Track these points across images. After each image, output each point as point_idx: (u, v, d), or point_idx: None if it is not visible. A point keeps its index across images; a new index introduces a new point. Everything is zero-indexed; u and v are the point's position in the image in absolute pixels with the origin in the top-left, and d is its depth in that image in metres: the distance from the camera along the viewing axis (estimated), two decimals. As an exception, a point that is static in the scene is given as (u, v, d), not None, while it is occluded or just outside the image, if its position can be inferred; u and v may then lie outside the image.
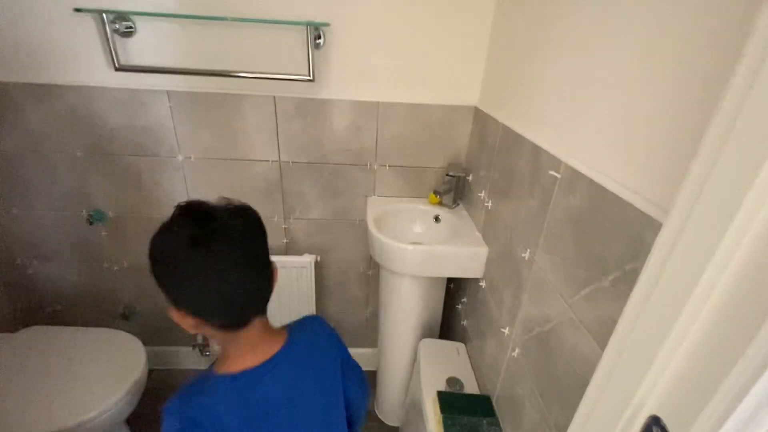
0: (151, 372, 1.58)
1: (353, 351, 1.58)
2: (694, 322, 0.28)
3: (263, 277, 0.54)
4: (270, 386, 0.54)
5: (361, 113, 1.19)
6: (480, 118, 1.15)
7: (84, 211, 1.29)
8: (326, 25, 1.05)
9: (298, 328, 0.63)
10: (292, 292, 1.39)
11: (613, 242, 0.52)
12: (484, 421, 0.89)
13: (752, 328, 0.24)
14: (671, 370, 0.30)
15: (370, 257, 1.41)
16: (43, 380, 1.04)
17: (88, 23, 1.03)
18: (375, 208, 1.24)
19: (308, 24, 1.02)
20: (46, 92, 1.11)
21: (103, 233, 1.34)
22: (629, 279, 0.48)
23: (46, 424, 0.94)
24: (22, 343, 1.17)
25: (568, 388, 0.61)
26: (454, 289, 1.38)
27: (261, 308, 0.55)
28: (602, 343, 0.53)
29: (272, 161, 1.24)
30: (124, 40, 1.06)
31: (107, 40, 1.02)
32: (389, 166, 1.27)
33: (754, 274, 0.24)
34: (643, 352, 0.32)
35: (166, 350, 1.56)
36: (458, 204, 1.29)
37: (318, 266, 1.40)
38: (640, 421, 0.32)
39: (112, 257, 1.38)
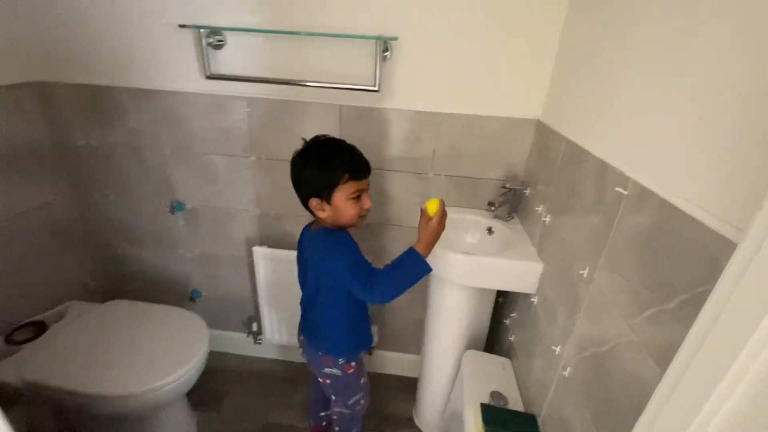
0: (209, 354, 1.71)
1: (397, 355, 1.62)
2: (765, 347, 0.27)
3: None
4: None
5: (421, 123, 1.22)
6: (542, 131, 1.14)
7: (167, 201, 1.45)
8: (395, 38, 1.11)
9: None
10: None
11: (683, 263, 0.50)
12: (529, 440, 0.86)
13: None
14: (736, 396, 0.29)
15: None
16: (121, 348, 1.18)
17: (187, 37, 1.18)
18: (428, 216, 1.26)
19: (378, 38, 1.08)
20: (147, 96, 1.28)
21: (181, 223, 1.49)
22: (698, 302, 0.46)
23: (122, 387, 1.07)
24: (106, 313, 1.33)
25: (623, 414, 0.59)
26: (503, 303, 1.35)
27: None
28: (664, 368, 0.50)
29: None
30: (215, 51, 1.19)
31: (201, 52, 1.16)
32: (445, 175, 1.29)
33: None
34: (708, 375, 0.31)
35: (222, 334, 1.69)
36: (513, 217, 1.28)
37: (368, 269, 1.45)
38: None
39: (186, 245, 1.53)
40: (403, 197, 1.34)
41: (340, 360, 1.05)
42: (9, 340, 1.22)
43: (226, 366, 1.67)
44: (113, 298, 1.43)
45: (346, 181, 0.87)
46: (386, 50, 1.12)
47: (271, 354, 1.73)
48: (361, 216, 0.93)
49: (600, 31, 0.84)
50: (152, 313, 1.34)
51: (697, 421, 0.32)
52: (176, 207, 1.45)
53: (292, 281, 1.27)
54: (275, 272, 1.44)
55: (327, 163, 0.88)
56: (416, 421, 1.49)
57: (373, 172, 1.29)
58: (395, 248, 1.42)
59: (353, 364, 1.07)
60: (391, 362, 1.66)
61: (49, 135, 1.36)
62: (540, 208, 1.07)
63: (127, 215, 1.50)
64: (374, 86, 1.12)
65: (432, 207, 0.87)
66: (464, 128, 1.22)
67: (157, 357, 1.16)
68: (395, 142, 1.26)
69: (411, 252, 0.87)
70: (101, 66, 1.25)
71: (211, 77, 1.19)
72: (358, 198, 0.90)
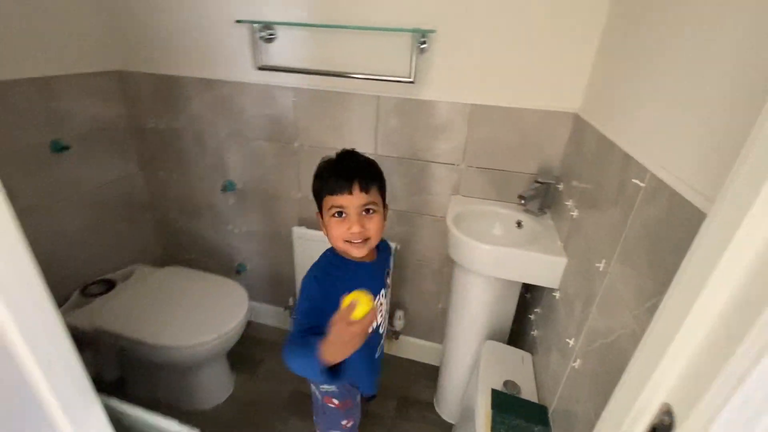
0: (248, 324, 1.87)
1: (423, 343, 1.66)
2: (704, 316, 0.29)
3: None
4: None
5: (455, 114, 1.25)
6: (579, 125, 1.12)
7: (220, 181, 1.60)
8: (432, 31, 1.14)
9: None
10: (372, 275, 1.51)
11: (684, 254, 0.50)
12: (536, 429, 0.88)
13: (749, 321, 0.25)
14: (682, 361, 0.31)
15: (447, 255, 1.46)
16: (176, 307, 1.34)
17: (243, 32, 1.29)
18: (457, 206, 1.29)
19: (415, 31, 1.12)
20: (207, 85, 1.42)
21: (231, 201, 1.64)
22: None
23: (175, 339, 1.22)
24: (165, 277, 1.51)
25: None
26: (530, 299, 1.35)
27: None
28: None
29: (369, 154, 1.37)
30: (267, 45, 1.30)
31: (255, 45, 1.27)
32: (477, 167, 1.30)
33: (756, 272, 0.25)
34: (658, 345, 0.33)
35: (262, 306, 1.83)
36: (545, 212, 1.27)
37: (397, 256, 1.50)
38: (653, 409, 0.33)
39: (235, 222, 1.68)
40: (434, 187, 1.37)
41: (321, 387, 0.94)
42: (84, 292, 1.43)
43: (264, 336, 1.82)
44: (171, 264, 1.62)
45: (326, 194, 0.75)
46: (424, 42, 1.16)
47: (305, 329, 1.85)
48: (349, 241, 0.75)
49: (644, 28, 0.81)
50: (203, 281, 1.50)
51: (650, 387, 0.34)
52: (228, 186, 1.59)
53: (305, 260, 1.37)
54: (313, 251, 1.53)
55: (317, 173, 0.79)
56: (436, 407, 1.53)
57: (405, 161, 1.36)
58: (424, 237, 1.46)
59: (335, 400, 0.94)
60: (417, 349, 1.71)
61: (126, 118, 1.56)
62: (569, 203, 1.06)
63: (186, 192, 1.67)
64: (410, 78, 1.17)
65: (362, 307, 0.61)
66: (499, 120, 1.22)
67: (204, 317, 1.30)
68: (429, 133, 1.30)
69: (315, 350, 0.61)
70: (170, 58, 1.41)
71: (263, 68, 1.30)
72: (341, 216, 0.74)
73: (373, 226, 0.76)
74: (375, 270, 0.86)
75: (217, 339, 1.25)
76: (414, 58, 1.15)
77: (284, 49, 1.29)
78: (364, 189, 0.73)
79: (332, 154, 0.80)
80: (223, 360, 1.46)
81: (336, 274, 0.79)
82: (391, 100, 1.28)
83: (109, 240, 1.57)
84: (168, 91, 1.48)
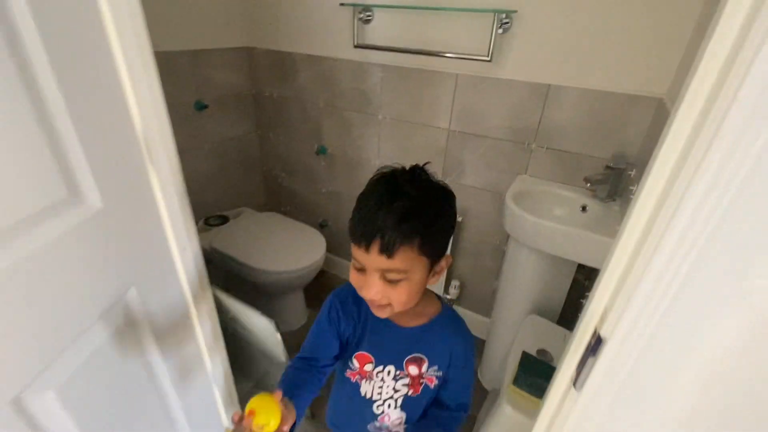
0: (323, 272, 2.15)
1: (471, 315, 1.74)
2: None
3: None
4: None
5: (531, 94, 1.28)
6: (663, 111, 1.07)
7: (315, 145, 1.86)
8: (514, 11, 1.19)
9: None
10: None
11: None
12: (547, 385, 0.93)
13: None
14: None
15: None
16: (269, 242, 1.64)
17: (345, 14, 1.48)
18: (521, 185, 1.33)
19: (497, 11, 1.18)
20: (312, 60, 1.66)
21: (322, 163, 1.89)
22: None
23: (269, 264, 1.52)
24: (263, 219, 1.84)
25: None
26: (587, 285, 1.34)
27: None
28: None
29: (443, 129, 1.48)
30: (364, 25, 1.47)
31: (354, 25, 1.45)
32: (547, 148, 1.32)
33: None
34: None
35: (336, 259, 2.09)
36: (614, 200, 1.24)
37: (459, 227, 1.60)
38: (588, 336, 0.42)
39: (323, 182, 1.94)
40: (501, 165, 1.42)
41: None
42: (206, 222, 1.83)
43: (335, 284, 2.08)
44: (271, 211, 1.95)
45: (350, 234, 0.58)
46: (506, 22, 1.21)
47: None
48: (365, 298, 0.59)
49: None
50: (293, 227, 1.79)
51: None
52: (320, 150, 1.85)
53: None
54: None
55: (359, 196, 0.61)
56: (478, 375, 1.62)
57: (477, 138, 1.43)
58: (487, 214, 1.53)
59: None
60: (467, 320, 1.80)
61: (249, 87, 1.89)
62: (634, 188, 1.04)
63: (288, 152, 1.98)
64: (487, 56, 1.23)
65: (259, 419, 0.50)
66: (576, 102, 1.22)
67: (291, 253, 1.58)
68: (502, 111, 1.35)
69: None
70: (286, 36, 1.68)
71: (359, 46, 1.48)
72: (360, 271, 0.57)
73: (396, 297, 0.56)
74: (403, 338, 0.67)
75: (299, 270, 1.52)
76: (493, 38, 1.21)
77: (378, 30, 1.45)
78: (387, 251, 0.52)
79: (394, 166, 0.61)
80: (300, 293, 1.75)
81: (350, 309, 0.69)
82: (468, 78, 1.36)
83: (226, 184, 1.96)
84: (282, 65, 1.76)
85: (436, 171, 1.59)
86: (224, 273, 1.80)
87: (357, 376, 0.72)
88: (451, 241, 0.64)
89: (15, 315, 0.54)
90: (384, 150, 1.67)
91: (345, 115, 1.70)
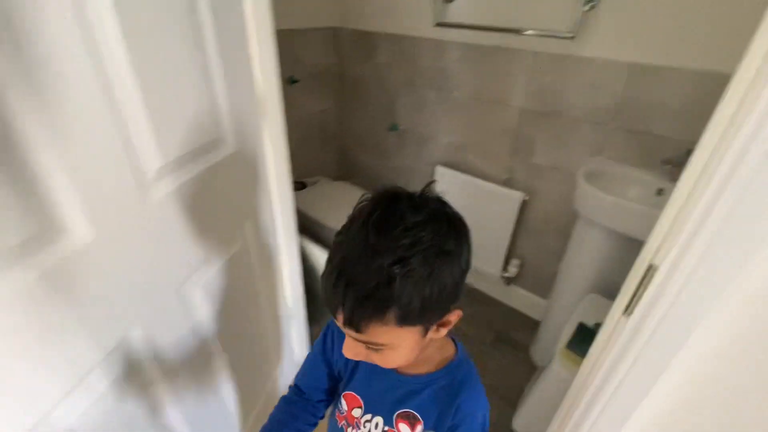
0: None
1: (529, 295, 1.77)
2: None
3: None
4: None
5: (614, 73, 1.26)
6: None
7: (388, 121, 1.97)
8: (603, -13, 1.18)
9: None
10: (493, 221, 1.68)
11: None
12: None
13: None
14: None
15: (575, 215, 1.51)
16: (342, 206, 1.80)
17: (429, -7, 1.56)
18: (595, 164, 1.32)
19: (585, -13, 1.18)
20: (392, 39, 1.76)
21: (393, 139, 2.01)
22: None
23: (339, 224, 1.67)
24: (336, 187, 2.00)
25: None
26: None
27: None
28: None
29: (515, 106, 1.51)
30: (446, 4, 1.53)
31: (435, 4, 1.52)
32: (626, 129, 1.30)
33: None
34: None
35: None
36: (695, 186, 1.19)
37: (524, 207, 1.62)
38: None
39: (392, 157, 2.06)
40: (575, 145, 1.42)
41: None
42: (295, 186, 2.04)
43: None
44: (343, 181, 2.12)
45: None
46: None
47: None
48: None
49: None
50: (359, 195, 1.93)
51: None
52: (393, 127, 1.96)
53: (461, 202, 1.62)
54: (450, 190, 1.79)
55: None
56: (531, 352, 1.65)
57: (551, 117, 1.44)
58: (556, 193, 1.53)
59: None
60: (523, 299, 1.83)
61: (335, 65, 2.05)
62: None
63: (362, 127, 2.12)
64: (571, 33, 1.24)
65: None
66: (662, 81, 1.19)
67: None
68: (580, 90, 1.34)
69: None
70: (369, 16, 1.80)
71: (439, 25, 1.55)
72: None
73: (381, 361, 0.49)
74: (398, 386, 0.56)
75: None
76: (579, 15, 1.21)
77: (459, 8, 1.51)
78: (352, 326, 0.43)
79: (393, 188, 0.47)
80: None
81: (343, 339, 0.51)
82: (547, 55, 1.37)
83: (307, 154, 2.15)
84: (364, 44, 1.88)
85: (504, 147, 1.64)
86: (299, 230, 2.00)
87: (344, 421, 0.60)
88: (462, 288, 0.48)
89: (187, 225, 0.73)
90: (454, 128, 1.73)
91: (420, 93, 1.79)
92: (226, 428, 1.04)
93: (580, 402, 0.66)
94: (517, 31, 1.36)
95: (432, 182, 0.48)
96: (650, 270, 0.48)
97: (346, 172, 2.35)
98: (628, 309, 0.53)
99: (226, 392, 0.99)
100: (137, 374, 0.66)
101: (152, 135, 0.59)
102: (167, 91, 0.62)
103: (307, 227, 1.83)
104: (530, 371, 1.57)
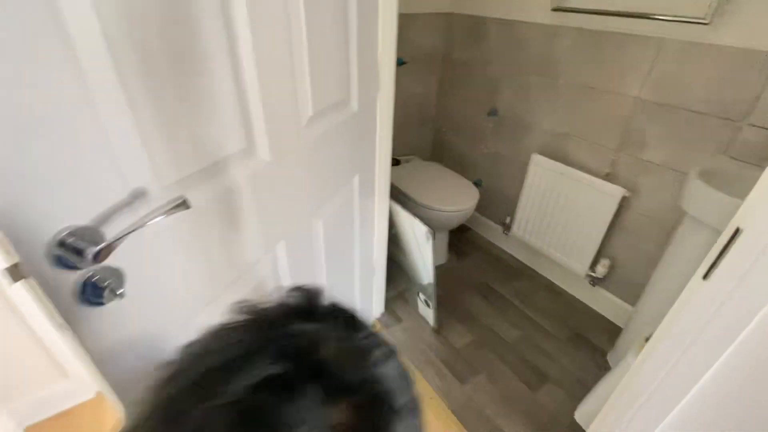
0: (467, 229, 2.32)
1: (614, 299, 1.69)
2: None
3: None
4: None
5: (755, 64, 1.13)
6: None
7: (487, 107, 2.00)
8: (756, -34, 1.06)
9: None
10: (587, 215, 1.62)
11: None
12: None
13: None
14: None
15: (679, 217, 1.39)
16: (428, 186, 1.89)
17: (550, -24, 1.54)
18: (714, 163, 1.21)
19: (732, -33, 1.08)
20: (503, 24, 1.77)
21: (490, 125, 2.02)
22: None
23: (428, 201, 1.77)
24: (427, 166, 2.09)
25: None
26: None
27: None
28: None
29: (630, 96, 1.43)
30: (567, -12, 1.50)
31: (556, -13, 1.50)
32: (763, 127, 1.16)
33: None
34: None
35: (482, 218, 2.23)
36: None
37: (624, 204, 1.53)
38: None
39: (486, 143, 2.08)
40: (694, 142, 1.31)
41: None
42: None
43: (477, 241, 2.24)
44: (433, 161, 2.20)
45: None
46: (741, -20, 1.09)
47: (511, 248, 2.15)
48: None
49: None
50: (452, 177, 2.00)
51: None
52: (492, 112, 1.97)
53: (553, 193, 1.60)
54: (543, 180, 1.77)
55: None
56: (608, 357, 1.58)
57: (670, 109, 1.34)
58: (662, 193, 1.43)
59: None
60: (607, 304, 1.73)
61: (441, 48, 2.13)
62: None
63: (459, 111, 2.17)
64: (704, 19, 1.14)
65: None
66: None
67: (446, 196, 1.81)
68: (710, 82, 1.23)
69: None
70: (483, 1, 1.83)
71: (557, 9, 1.53)
72: None
73: None
74: None
75: (451, 211, 1.75)
76: (719, -3, 1.11)
77: (581, -8, 1.47)
78: None
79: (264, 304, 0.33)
80: (446, 235, 1.98)
81: None
82: (675, 42, 1.27)
83: (404, 133, 2.26)
84: (474, 29, 1.92)
85: (610, 139, 1.57)
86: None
87: None
88: None
89: (321, 166, 0.91)
90: (557, 116, 1.70)
91: (525, 79, 1.78)
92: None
93: (647, 372, 0.67)
94: (645, 17, 1.29)
95: (316, 290, 0.31)
96: (736, 234, 0.48)
97: (438, 153, 2.43)
98: (708, 275, 0.53)
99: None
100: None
101: (310, 88, 0.77)
102: (323, 57, 0.79)
103: (397, 200, 1.97)
104: (602, 373, 1.51)
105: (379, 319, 1.72)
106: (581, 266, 1.73)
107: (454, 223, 1.85)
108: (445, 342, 1.62)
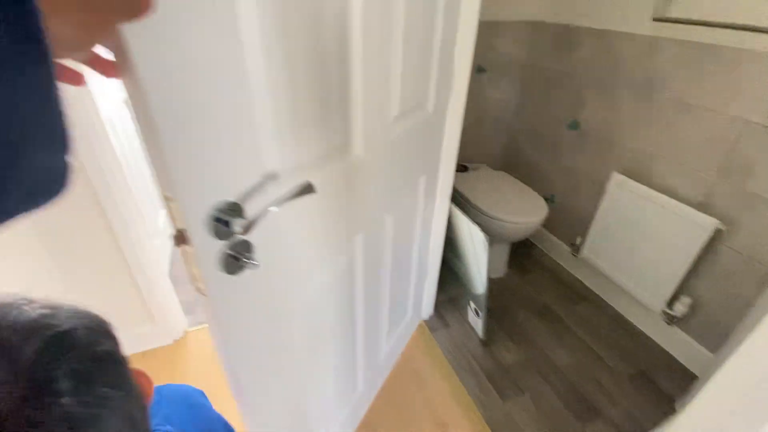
0: (532, 245, 2.23)
1: (691, 342, 1.53)
2: None
3: None
4: None
5: None
6: None
7: (568, 119, 1.90)
8: None
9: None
10: (670, 246, 1.46)
11: None
12: None
13: None
14: None
15: (794, 263, 1.20)
16: (499, 194, 1.85)
17: (655, -16, 1.42)
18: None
19: None
20: (596, 34, 1.67)
21: (570, 138, 1.92)
22: None
23: (493, 210, 1.74)
24: (496, 175, 2.05)
25: None
26: None
27: None
28: None
29: (737, 118, 1.26)
30: (673, -4, 1.38)
31: (660, -4, 1.38)
32: None
33: None
34: None
35: (550, 237, 2.12)
36: None
37: (715, 238, 1.36)
38: None
39: (565, 156, 1.97)
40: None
41: None
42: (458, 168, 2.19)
43: (541, 259, 2.13)
44: (503, 170, 2.15)
45: None
46: None
47: (578, 270, 2.01)
48: None
49: None
50: (521, 188, 1.94)
51: None
52: (573, 125, 1.88)
53: (633, 217, 1.50)
54: (622, 202, 1.64)
55: None
56: (677, 405, 1.41)
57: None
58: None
59: None
60: (683, 347, 1.55)
61: (525, 57, 2.07)
62: None
63: (537, 122, 2.09)
64: None
65: None
66: None
67: (511, 207, 1.76)
68: None
69: None
70: (576, 10, 1.74)
71: (658, 20, 1.41)
72: None
73: None
74: None
75: (515, 223, 1.70)
76: None
77: (688, 1, 1.33)
78: None
79: None
80: (506, 248, 1.92)
81: None
82: (804, 60, 1.10)
83: (476, 140, 2.26)
84: (563, 39, 1.84)
85: (705, 164, 1.40)
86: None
87: None
88: None
89: (397, 165, 0.97)
90: (646, 133, 1.56)
91: (614, 92, 1.66)
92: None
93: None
94: (761, 30, 1.14)
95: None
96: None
97: (509, 163, 2.36)
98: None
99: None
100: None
101: (399, 90, 0.84)
102: (412, 61, 0.86)
103: (461, 207, 1.96)
104: (665, 419, 1.36)
105: (426, 322, 1.73)
106: (657, 301, 1.57)
107: (517, 236, 1.80)
108: (491, 355, 1.59)
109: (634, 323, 1.74)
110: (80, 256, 1.33)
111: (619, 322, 1.76)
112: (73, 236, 1.28)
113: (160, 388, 0.57)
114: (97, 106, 1.19)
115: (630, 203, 1.61)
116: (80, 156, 1.17)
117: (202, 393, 0.67)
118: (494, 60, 2.00)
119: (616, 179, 1.65)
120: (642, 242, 1.59)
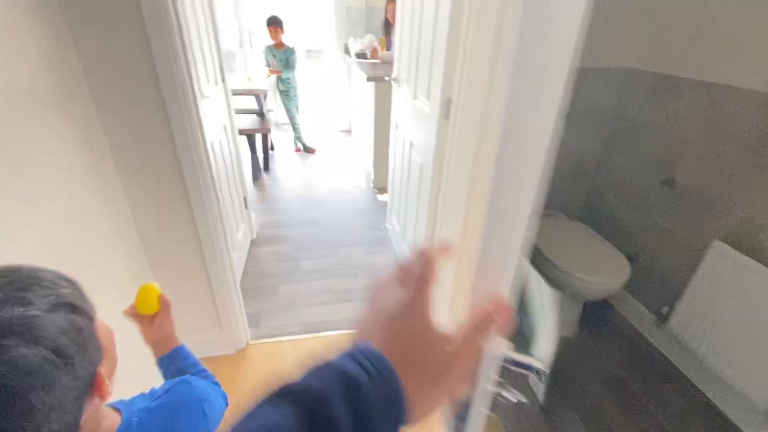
0: (611, 307, 2.02)
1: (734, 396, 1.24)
2: None
3: None
4: None
5: None
6: None
7: (662, 176, 1.73)
8: None
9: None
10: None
11: None
12: None
13: None
14: None
15: None
16: (574, 247, 1.73)
17: (780, 38, 1.28)
18: None
19: None
20: (698, 86, 1.53)
21: (662, 195, 1.75)
22: None
23: (566, 265, 1.63)
24: (572, 226, 1.92)
25: None
26: None
27: None
28: None
29: None
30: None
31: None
32: None
33: None
34: None
35: (632, 300, 1.91)
36: None
37: None
38: None
39: (655, 213, 1.80)
40: None
41: None
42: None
43: (619, 323, 1.93)
44: (580, 221, 2.01)
45: None
46: None
47: (663, 343, 1.78)
48: None
49: None
50: (601, 244, 1.79)
51: None
52: (668, 182, 1.71)
53: (737, 293, 1.35)
54: (724, 274, 1.44)
55: None
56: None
57: None
58: None
59: None
60: (727, 398, 1.27)
61: (613, 104, 1.95)
62: None
63: (624, 173, 1.94)
64: None
65: (148, 298, 0.59)
66: None
67: (588, 265, 1.63)
68: None
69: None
70: (672, 58, 1.62)
71: (781, 76, 1.26)
72: None
73: None
74: None
75: (590, 283, 1.57)
76: None
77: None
78: None
79: None
80: (579, 307, 1.77)
81: None
82: None
83: (552, 186, 2.15)
84: (660, 87, 1.71)
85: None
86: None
87: None
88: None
89: None
90: (758, 199, 1.37)
91: (721, 150, 1.49)
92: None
93: None
94: None
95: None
96: None
97: (589, 214, 2.21)
98: None
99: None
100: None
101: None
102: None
103: (531, 257, 1.87)
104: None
105: (482, 373, 1.64)
106: (762, 397, 1.32)
107: (594, 297, 1.65)
108: (552, 426, 1.45)
109: (731, 418, 1.48)
110: (170, 262, 1.49)
111: (710, 413, 1.50)
112: (166, 245, 1.45)
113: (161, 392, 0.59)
114: (204, 132, 1.35)
115: (734, 277, 1.40)
116: (186, 176, 1.34)
117: (210, 404, 0.62)
118: (580, 104, 1.92)
119: (718, 248, 1.45)
120: (746, 324, 1.37)
